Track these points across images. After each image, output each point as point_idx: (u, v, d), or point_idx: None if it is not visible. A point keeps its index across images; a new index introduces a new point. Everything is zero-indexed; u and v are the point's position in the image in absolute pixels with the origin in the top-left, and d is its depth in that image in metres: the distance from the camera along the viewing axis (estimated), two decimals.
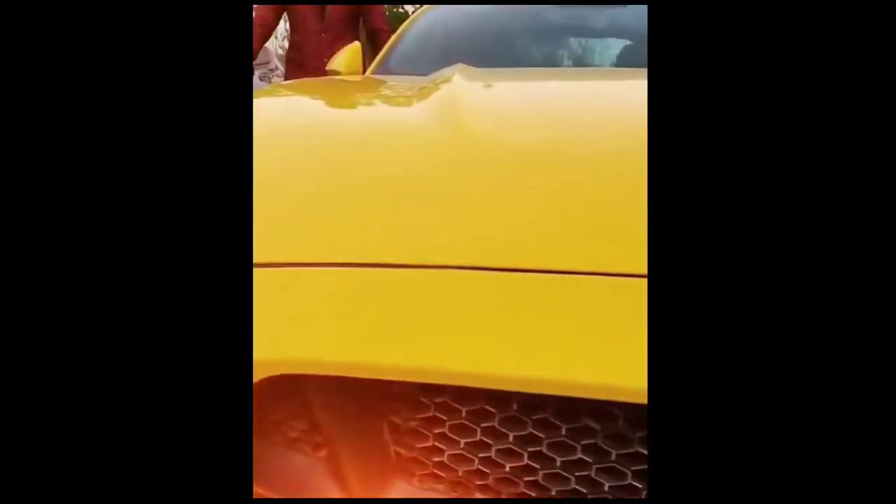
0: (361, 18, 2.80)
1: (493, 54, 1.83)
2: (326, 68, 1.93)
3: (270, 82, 4.69)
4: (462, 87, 0.91)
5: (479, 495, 0.52)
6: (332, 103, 1.02)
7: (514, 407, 0.49)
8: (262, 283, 0.52)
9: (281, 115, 0.90)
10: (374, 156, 0.71)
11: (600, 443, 0.47)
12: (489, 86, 1.03)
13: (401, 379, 0.47)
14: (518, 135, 0.74)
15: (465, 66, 1.17)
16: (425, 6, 2.26)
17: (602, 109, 0.85)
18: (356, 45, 2.00)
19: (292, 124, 0.84)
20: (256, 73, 4.25)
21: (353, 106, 1.02)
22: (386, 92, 1.18)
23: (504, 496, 0.51)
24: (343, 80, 1.45)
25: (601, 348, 0.45)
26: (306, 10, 2.70)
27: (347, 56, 1.93)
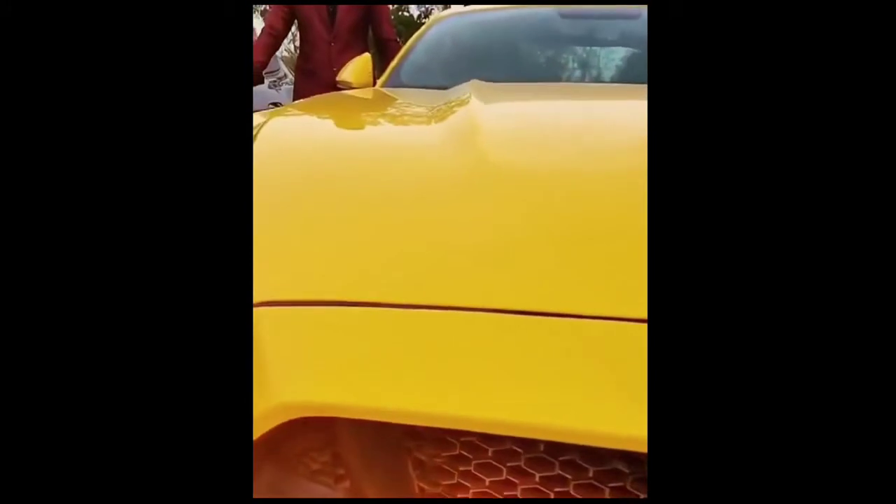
0: (370, 28, 2.80)
1: (504, 64, 1.83)
2: (336, 80, 1.94)
3: (280, 90, 4.71)
4: (478, 110, 0.90)
5: None
6: (343, 128, 1.01)
7: (542, 448, 0.48)
8: (277, 323, 0.53)
9: (292, 142, 0.90)
10: (392, 192, 0.71)
11: (629, 486, 0.47)
12: (507, 110, 1.03)
13: (416, 424, 0.47)
14: (537, 167, 0.73)
15: (479, 83, 1.16)
16: (434, 15, 2.26)
17: (620, 142, 0.84)
18: (366, 56, 2.00)
19: (304, 154, 0.84)
20: (266, 82, 4.27)
21: (366, 134, 1.02)
22: (399, 114, 1.17)
23: None
24: (354, 98, 1.45)
25: (615, 397, 0.45)
26: (315, 20, 2.70)
27: (357, 67, 1.93)
